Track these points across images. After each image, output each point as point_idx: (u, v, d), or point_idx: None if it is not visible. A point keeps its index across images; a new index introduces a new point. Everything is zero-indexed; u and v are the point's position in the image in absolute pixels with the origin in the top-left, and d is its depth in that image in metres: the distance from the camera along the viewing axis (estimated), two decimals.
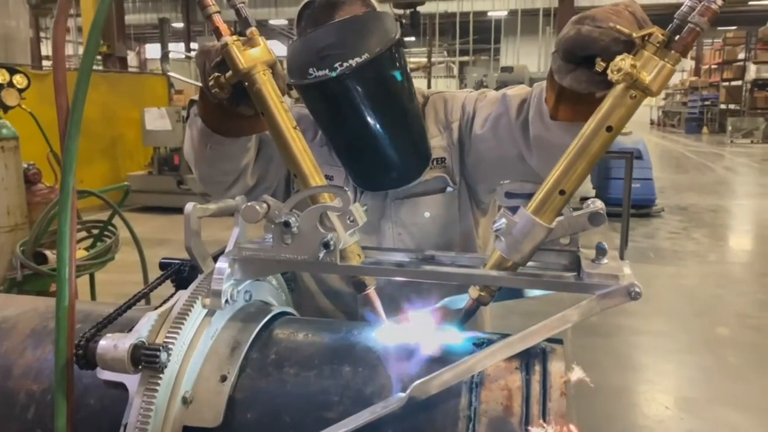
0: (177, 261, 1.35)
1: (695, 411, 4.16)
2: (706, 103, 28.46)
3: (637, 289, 0.89)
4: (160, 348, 0.90)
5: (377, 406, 0.91)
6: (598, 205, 0.98)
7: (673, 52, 0.85)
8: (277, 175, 1.63)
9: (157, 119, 10.85)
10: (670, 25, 0.87)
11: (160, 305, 1.10)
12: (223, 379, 0.99)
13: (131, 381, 0.96)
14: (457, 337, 1.03)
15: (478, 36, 26.87)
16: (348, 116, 1.39)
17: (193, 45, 27.06)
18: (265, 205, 1.01)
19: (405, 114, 1.49)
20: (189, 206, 1.05)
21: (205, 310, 1.02)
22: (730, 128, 24.47)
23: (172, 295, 1.15)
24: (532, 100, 1.35)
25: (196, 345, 1.00)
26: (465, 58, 28.93)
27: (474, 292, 1.02)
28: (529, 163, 1.42)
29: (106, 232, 3.78)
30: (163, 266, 1.33)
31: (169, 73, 1.36)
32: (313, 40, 1.39)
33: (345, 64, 1.36)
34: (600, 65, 0.90)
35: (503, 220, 0.97)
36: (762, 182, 14.36)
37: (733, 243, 9.12)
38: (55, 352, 0.94)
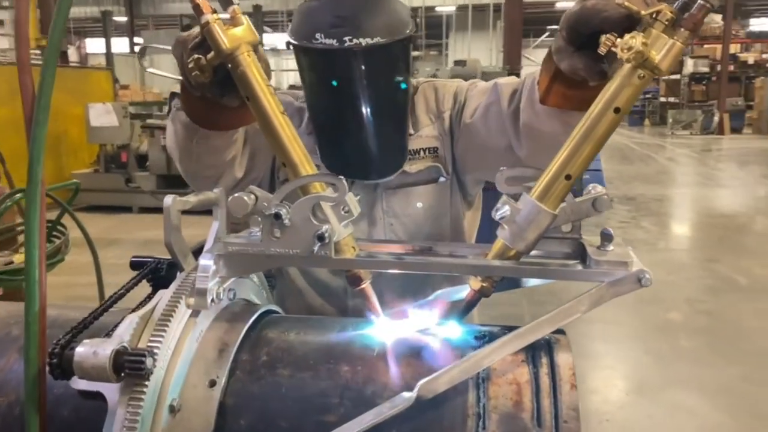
0: (150, 259, 1.27)
1: (653, 396, 4.26)
2: (647, 96, 29.36)
3: (648, 276, 0.87)
4: (146, 353, 0.83)
5: (383, 407, 0.86)
6: (600, 190, 0.96)
7: (682, 29, 0.83)
8: (264, 165, 1.55)
9: (102, 115, 10.47)
10: (677, 3, 0.85)
11: (137, 307, 1.02)
12: (212, 384, 0.92)
13: (110, 390, 0.88)
14: (457, 330, 0.99)
15: (428, 31, 26.96)
16: (341, 93, 1.33)
17: (138, 40, 26.22)
18: (252, 196, 0.94)
19: (396, 109, 1.45)
20: (168, 199, 0.97)
21: (189, 311, 0.95)
22: (670, 120, 25.28)
23: (149, 296, 1.07)
24: (524, 89, 1.32)
25: (182, 349, 0.93)
26: (416, 53, 28.97)
27: (476, 283, 0.98)
28: (518, 154, 1.39)
29: (54, 233, 3.60)
30: (135, 265, 1.24)
31: (149, 70, 1.27)
32: (329, 4, 1.33)
33: (355, 41, 1.30)
34: (606, 44, 0.87)
35: (506, 207, 0.93)
36: (702, 171, 14.87)
37: (679, 231, 9.42)
38: (25, 362, 0.85)
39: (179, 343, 0.92)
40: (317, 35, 1.30)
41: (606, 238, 0.92)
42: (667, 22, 0.84)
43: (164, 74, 1.33)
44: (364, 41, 1.31)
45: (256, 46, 0.99)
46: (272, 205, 0.93)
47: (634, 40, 0.82)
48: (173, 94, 1.33)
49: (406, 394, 0.86)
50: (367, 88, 1.36)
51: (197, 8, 0.92)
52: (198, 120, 1.23)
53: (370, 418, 0.85)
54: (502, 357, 0.89)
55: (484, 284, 0.98)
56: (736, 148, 19.49)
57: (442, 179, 1.53)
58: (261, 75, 0.96)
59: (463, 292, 1.11)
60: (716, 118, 23.36)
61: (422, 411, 0.87)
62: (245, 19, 0.95)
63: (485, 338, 0.98)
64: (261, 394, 0.93)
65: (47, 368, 0.84)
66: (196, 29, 1.04)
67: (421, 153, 1.52)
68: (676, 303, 5.86)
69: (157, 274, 1.08)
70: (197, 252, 1.21)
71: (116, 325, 0.94)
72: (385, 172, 1.47)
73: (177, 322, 0.92)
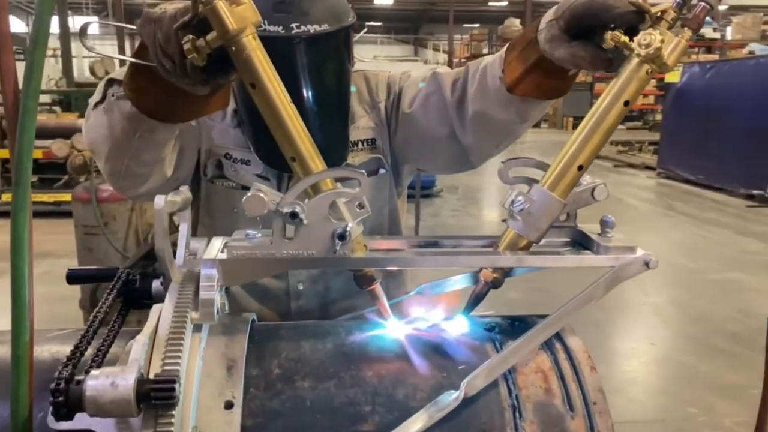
0: (92, 269, 1.10)
1: None
2: None
3: (654, 259, 0.93)
4: (175, 379, 0.71)
5: (431, 410, 0.83)
6: (597, 180, 1.00)
7: (686, 29, 0.90)
8: (190, 162, 1.40)
9: None
10: (675, 2, 0.91)
11: (113, 326, 0.88)
12: (229, 405, 0.82)
13: (106, 427, 0.75)
14: (466, 324, 0.98)
15: None
16: (285, 83, 1.24)
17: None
18: (262, 195, 0.85)
19: (341, 98, 1.38)
20: (160, 201, 0.85)
21: (191, 327, 0.84)
22: None
23: (121, 312, 0.93)
24: (472, 78, 1.32)
25: (193, 369, 0.82)
26: None
27: (488, 275, 0.98)
28: (462, 142, 1.39)
29: None
30: (74, 278, 1.07)
31: (97, 51, 1.06)
32: None
33: (303, 28, 1.21)
34: (611, 41, 0.90)
35: (521, 198, 0.94)
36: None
37: (499, 216, 10.22)
38: (12, 403, 0.70)
39: (189, 363, 0.81)
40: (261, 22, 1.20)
41: (609, 225, 0.97)
42: (671, 21, 0.90)
43: (119, 57, 1.15)
44: (312, 28, 1.24)
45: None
46: (285, 203, 0.85)
47: (653, 37, 0.87)
48: (111, 81, 1.15)
49: (453, 393, 0.84)
50: (313, 77, 1.29)
51: None
52: (151, 110, 1.07)
53: (421, 422, 0.81)
54: (535, 347, 0.90)
55: (496, 275, 0.98)
56: (538, 141, 21.56)
57: (382, 171, 1.50)
58: (267, 60, 0.87)
59: (444, 285, 1.10)
60: None
61: (458, 409, 0.86)
62: None
63: (494, 329, 0.99)
64: (284, 410, 0.85)
65: (50, 408, 0.69)
66: (176, 4, 0.91)
67: (360, 145, 1.47)
68: (514, 283, 6.34)
69: (130, 286, 0.93)
70: (150, 255, 1.07)
71: (98, 351, 0.81)
72: (331, 165, 1.40)
73: (188, 341, 0.81)
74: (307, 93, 1.29)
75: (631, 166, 13.54)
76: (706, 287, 5.87)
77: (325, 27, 1.26)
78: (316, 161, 0.91)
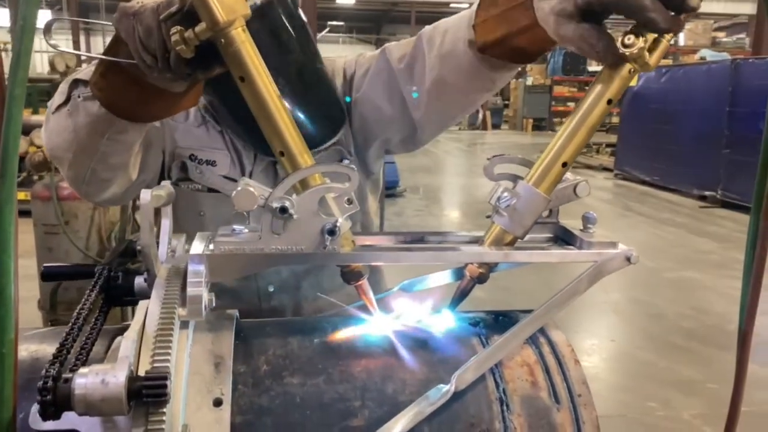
0: (68, 266, 1.07)
1: None
2: None
3: (635, 254, 0.95)
4: (166, 375, 0.70)
5: (422, 404, 0.83)
6: (579, 177, 1.02)
7: None
8: (155, 164, 1.36)
9: None
10: None
11: (95, 323, 0.86)
12: (218, 402, 0.81)
13: (91, 425, 0.74)
14: (452, 319, 0.99)
15: None
16: None
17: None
18: (252, 189, 0.84)
19: (314, 63, 1.36)
20: (147, 195, 0.83)
21: (178, 324, 0.82)
22: None
23: (102, 309, 0.90)
24: (429, 43, 1.23)
25: (181, 367, 0.80)
26: None
27: (474, 270, 0.99)
28: (414, 114, 1.33)
29: None
30: (49, 275, 1.04)
31: (62, 49, 1.03)
32: None
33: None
34: (627, 42, 0.87)
35: (507, 194, 0.95)
36: (473, 162, 16.42)
37: (461, 216, 10.30)
38: None
39: (178, 360, 0.80)
40: None
41: (591, 221, 0.99)
42: None
43: (88, 54, 1.11)
44: (252, 1, 1.15)
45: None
46: (275, 198, 0.85)
47: (637, 38, 0.89)
48: (76, 82, 1.11)
49: (443, 387, 0.85)
50: (276, 52, 1.25)
51: None
52: (121, 110, 1.04)
53: (412, 417, 0.81)
54: (522, 341, 0.92)
55: (481, 270, 0.99)
56: (497, 142, 21.86)
57: (345, 161, 1.47)
58: (256, 53, 0.85)
59: (427, 281, 1.11)
60: (480, 115, 25.90)
61: (447, 403, 0.86)
62: None
63: (480, 324, 1.00)
64: (273, 407, 0.84)
65: (37, 407, 0.66)
66: None
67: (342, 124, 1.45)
68: None
69: (112, 283, 0.91)
70: (127, 252, 1.05)
71: (82, 349, 0.79)
72: (321, 138, 1.37)
73: (176, 338, 0.79)
74: (282, 70, 1.26)
75: (589, 167, 13.83)
76: (663, 285, 6.04)
77: None
78: (305, 156, 0.90)
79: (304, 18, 1.36)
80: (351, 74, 1.47)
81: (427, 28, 1.29)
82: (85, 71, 1.12)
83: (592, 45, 0.88)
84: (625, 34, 0.90)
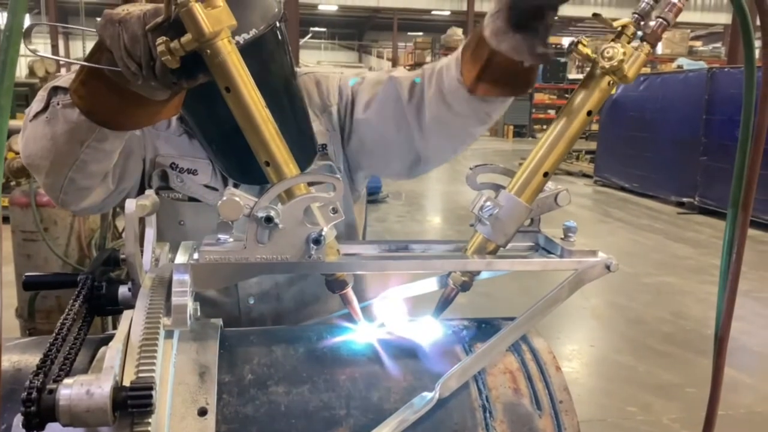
0: (50, 275, 1.07)
1: None
2: None
3: (614, 262, 0.97)
4: (151, 385, 0.70)
5: (406, 412, 0.84)
6: (559, 186, 1.04)
7: (645, 43, 0.94)
8: (135, 173, 1.36)
9: None
10: (635, 18, 0.96)
11: (79, 332, 0.86)
12: (202, 412, 0.81)
13: None
14: (435, 327, 1.00)
15: None
16: None
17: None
18: (237, 199, 0.84)
19: (291, 96, 1.36)
20: (131, 204, 0.83)
21: (163, 333, 0.82)
22: None
23: (86, 319, 0.90)
24: (428, 81, 1.31)
25: (166, 376, 0.80)
26: None
27: (457, 278, 1.00)
28: (418, 146, 1.39)
29: None
30: (31, 285, 1.03)
31: (42, 54, 1.01)
32: None
33: (234, 40, 1.19)
34: (580, 51, 0.93)
35: (489, 203, 0.96)
36: (455, 169, 16.50)
37: (443, 222, 10.35)
38: None
39: (163, 370, 0.80)
40: None
41: (569, 230, 1.01)
42: (631, 35, 0.94)
43: (69, 60, 1.11)
44: (241, 38, 1.18)
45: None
46: (260, 207, 0.85)
47: (615, 50, 0.91)
48: (55, 89, 1.10)
49: (427, 395, 0.86)
50: (261, 83, 1.27)
51: None
52: (102, 118, 1.04)
53: (397, 424, 0.82)
54: (505, 348, 0.93)
55: (465, 279, 1.00)
56: (479, 148, 21.95)
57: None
58: (242, 64, 0.86)
59: (410, 289, 1.12)
60: None
61: (431, 410, 0.87)
62: (221, 1, 0.84)
63: (463, 331, 1.01)
64: (258, 416, 0.84)
65: (20, 418, 0.66)
66: (140, 6, 0.89)
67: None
68: None
69: (97, 292, 0.91)
70: (110, 260, 1.05)
71: (66, 359, 0.78)
72: (301, 165, 1.38)
73: (161, 347, 0.79)
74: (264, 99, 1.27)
75: (569, 173, 13.96)
76: (642, 291, 6.11)
77: (254, 32, 1.21)
78: (290, 166, 0.91)
79: (291, 61, 1.38)
80: (350, 96, 1.48)
81: (428, 65, 1.35)
82: (65, 78, 1.11)
83: (523, 50, 1.00)
84: (606, 47, 0.92)
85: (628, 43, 0.95)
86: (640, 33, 0.96)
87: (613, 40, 0.95)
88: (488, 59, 1.09)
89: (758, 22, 0.94)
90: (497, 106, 1.24)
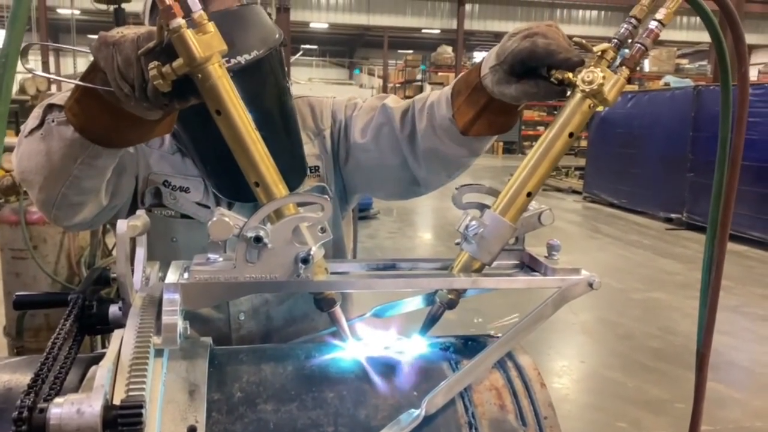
0: (41, 295, 1.07)
1: None
2: None
3: (597, 279, 0.99)
4: (141, 404, 0.71)
5: (393, 429, 0.86)
6: (543, 206, 1.06)
7: (624, 67, 0.97)
8: (128, 190, 1.37)
9: None
10: (614, 44, 0.99)
11: (70, 351, 0.87)
12: (192, 430, 0.82)
13: None
14: (423, 344, 1.02)
15: None
16: None
17: None
18: (227, 219, 0.86)
19: (286, 118, 1.39)
20: (123, 225, 0.84)
21: (153, 352, 0.83)
22: None
23: (76, 338, 0.91)
24: (419, 114, 1.36)
25: (156, 395, 0.81)
26: None
27: (444, 296, 1.02)
28: (414, 170, 1.43)
29: None
30: (22, 304, 1.04)
31: (37, 73, 1.03)
32: None
33: (233, 61, 1.22)
34: (557, 77, 0.97)
35: (475, 222, 0.99)
36: (445, 186, 16.59)
37: (434, 238, 10.38)
38: None
39: (153, 388, 0.81)
40: None
41: (553, 248, 1.03)
42: (610, 60, 0.98)
43: (63, 79, 1.13)
44: (242, 59, 1.24)
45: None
46: (249, 227, 0.87)
47: (594, 75, 0.94)
48: (51, 106, 1.12)
49: (414, 412, 0.87)
50: (256, 105, 1.29)
51: (167, 11, 0.81)
52: (96, 136, 1.06)
53: None
54: (491, 365, 0.94)
55: (451, 297, 1.02)
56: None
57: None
58: (232, 88, 0.88)
59: (397, 307, 1.13)
60: None
61: (418, 427, 0.89)
62: (212, 27, 0.86)
63: (449, 349, 1.03)
64: None
65: None
66: (134, 29, 0.91)
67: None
68: None
69: (88, 312, 0.92)
70: (100, 279, 1.06)
71: (56, 378, 0.79)
72: (292, 186, 1.41)
73: (152, 366, 0.80)
74: (256, 120, 1.30)
75: (558, 190, 14.06)
76: (631, 306, 6.15)
77: (254, 53, 1.26)
78: (279, 187, 0.92)
79: (288, 83, 1.41)
80: (343, 120, 1.52)
81: (418, 98, 1.40)
82: (60, 96, 1.14)
83: (535, 93, 1.06)
84: (586, 72, 0.95)
85: (608, 67, 0.98)
86: (619, 57, 1.00)
87: (593, 65, 0.97)
88: (485, 105, 1.17)
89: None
90: (488, 141, 1.31)
